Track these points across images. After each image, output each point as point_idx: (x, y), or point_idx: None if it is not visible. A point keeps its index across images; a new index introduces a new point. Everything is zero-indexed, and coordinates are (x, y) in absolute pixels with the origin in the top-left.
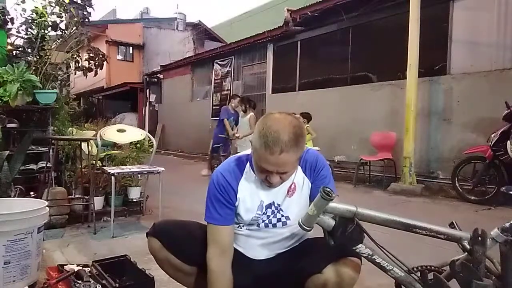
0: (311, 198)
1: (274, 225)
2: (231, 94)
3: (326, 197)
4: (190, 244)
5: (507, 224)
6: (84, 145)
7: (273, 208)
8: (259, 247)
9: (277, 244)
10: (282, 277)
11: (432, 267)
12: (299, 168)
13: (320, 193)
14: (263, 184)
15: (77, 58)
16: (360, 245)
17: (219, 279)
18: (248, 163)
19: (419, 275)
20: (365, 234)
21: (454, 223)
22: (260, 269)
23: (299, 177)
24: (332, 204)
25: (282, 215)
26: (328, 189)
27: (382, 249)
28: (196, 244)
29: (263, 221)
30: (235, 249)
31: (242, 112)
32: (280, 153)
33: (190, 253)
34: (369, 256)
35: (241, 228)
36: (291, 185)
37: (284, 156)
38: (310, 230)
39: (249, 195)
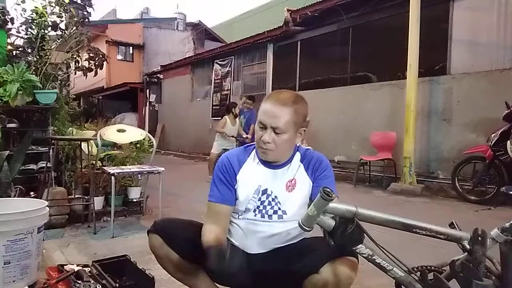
0: (312, 198)
1: (270, 217)
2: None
3: (326, 197)
4: (191, 241)
5: (507, 224)
6: (84, 145)
7: (270, 199)
8: (255, 241)
9: (274, 239)
10: (279, 276)
11: (432, 267)
12: (301, 166)
13: (320, 193)
14: (263, 171)
15: (77, 58)
16: (360, 246)
17: (211, 230)
18: (254, 150)
19: (419, 275)
20: (365, 234)
21: (454, 223)
22: (257, 264)
23: (300, 174)
24: (332, 204)
25: (279, 208)
26: (328, 189)
27: (382, 249)
28: (197, 242)
29: (260, 210)
30: (232, 243)
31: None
32: (277, 103)
33: (191, 250)
34: (369, 257)
35: (238, 217)
36: (292, 180)
37: (281, 108)
38: (310, 231)
39: (249, 178)
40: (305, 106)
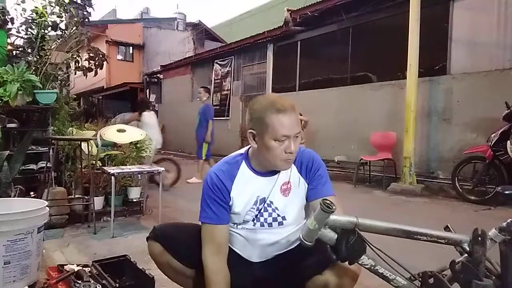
0: (308, 199)
1: (270, 225)
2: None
3: (327, 210)
4: (192, 247)
5: (504, 224)
6: (84, 145)
7: (266, 205)
8: (257, 249)
9: (276, 246)
10: (283, 279)
11: (433, 272)
12: (294, 167)
13: (320, 205)
14: (258, 181)
15: (77, 58)
16: (363, 257)
17: (217, 277)
18: (244, 161)
19: (420, 280)
20: (367, 244)
21: (449, 227)
22: (260, 271)
23: (294, 177)
24: (333, 217)
25: (278, 215)
26: (328, 201)
27: (384, 255)
28: (197, 247)
29: (258, 220)
30: (234, 252)
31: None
32: (291, 111)
33: (192, 256)
34: (372, 267)
35: (237, 227)
36: (287, 183)
37: (294, 114)
38: (311, 245)
39: (244, 192)
40: None
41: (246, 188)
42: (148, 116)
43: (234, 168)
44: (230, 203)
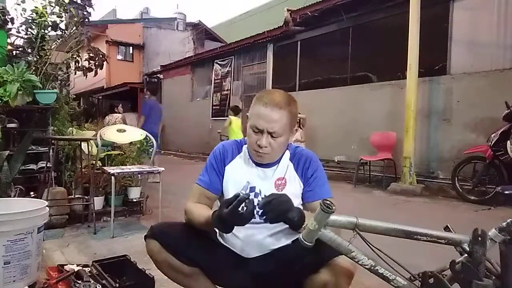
0: (305, 201)
1: (261, 217)
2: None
3: (327, 210)
4: (190, 245)
5: (504, 224)
6: (84, 145)
7: (259, 198)
8: (250, 244)
9: (268, 241)
10: (279, 277)
11: (433, 272)
12: (291, 164)
13: (320, 206)
14: (252, 168)
15: (77, 58)
16: (363, 257)
17: (197, 206)
18: (246, 147)
19: (420, 280)
20: (367, 244)
21: (449, 227)
22: (254, 267)
23: (290, 174)
24: (332, 217)
25: None
26: (328, 202)
27: (381, 256)
28: (195, 245)
29: None
30: (228, 249)
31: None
32: (273, 107)
33: (190, 254)
34: (372, 268)
35: None
36: (282, 178)
37: (276, 112)
38: (311, 246)
39: (237, 174)
40: (296, 105)
41: (239, 172)
42: (108, 119)
43: (238, 149)
44: (223, 177)
